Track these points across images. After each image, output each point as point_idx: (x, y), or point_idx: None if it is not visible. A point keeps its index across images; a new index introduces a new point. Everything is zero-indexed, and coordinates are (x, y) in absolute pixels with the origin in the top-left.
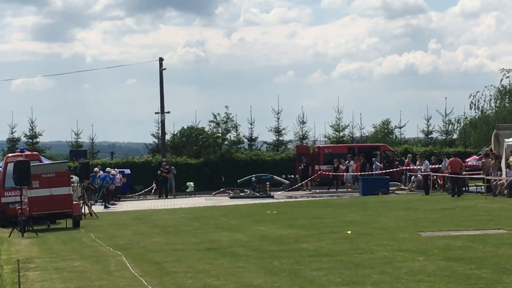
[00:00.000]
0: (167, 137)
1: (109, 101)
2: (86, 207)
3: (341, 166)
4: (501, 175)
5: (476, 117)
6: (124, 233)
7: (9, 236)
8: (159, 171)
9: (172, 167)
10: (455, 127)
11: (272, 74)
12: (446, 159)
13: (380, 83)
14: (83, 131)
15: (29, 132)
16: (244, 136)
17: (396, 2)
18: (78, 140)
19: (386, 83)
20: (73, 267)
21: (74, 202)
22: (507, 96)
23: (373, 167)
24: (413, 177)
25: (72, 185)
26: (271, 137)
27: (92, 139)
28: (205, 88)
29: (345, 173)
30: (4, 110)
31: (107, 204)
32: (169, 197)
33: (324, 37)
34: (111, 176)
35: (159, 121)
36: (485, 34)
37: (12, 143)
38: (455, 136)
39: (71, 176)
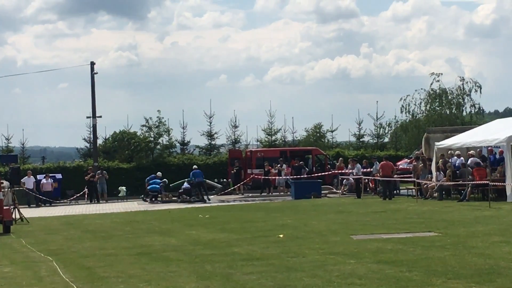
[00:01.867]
0: (99, 141)
1: (41, 105)
2: (17, 212)
3: (272, 170)
4: (431, 178)
5: (407, 121)
6: (55, 238)
7: None
8: (86, 177)
9: (104, 171)
10: (386, 131)
11: (205, 78)
12: (377, 163)
13: (313, 87)
14: (14, 136)
15: None
16: (176, 140)
17: (328, 6)
18: (9, 145)
19: (318, 87)
20: (3, 273)
21: (4, 207)
22: (437, 100)
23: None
24: (345, 180)
25: (2, 190)
26: (203, 141)
27: (23, 144)
28: (137, 92)
29: (277, 177)
30: None
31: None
32: (100, 201)
33: (257, 41)
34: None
35: (91, 125)
36: (416, 38)
37: None
38: (386, 140)
39: (2, 181)
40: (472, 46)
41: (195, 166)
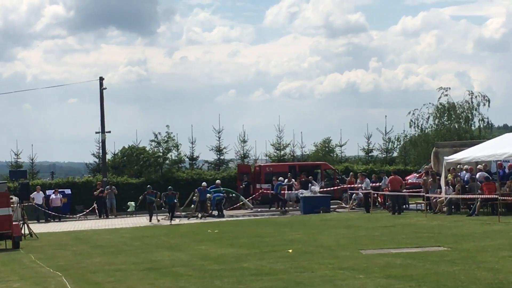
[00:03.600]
0: (108, 156)
1: (50, 120)
2: (26, 227)
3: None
4: (440, 192)
5: (416, 135)
6: (64, 253)
7: None
8: (95, 192)
9: (113, 186)
10: (395, 145)
11: (214, 93)
12: (386, 177)
13: (321, 102)
14: (23, 151)
15: None
16: (185, 155)
17: (337, 21)
18: (18, 160)
19: (327, 101)
20: None
21: (14, 223)
22: (445, 114)
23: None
24: (354, 195)
25: (12, 205)
26: (212, 156)
27: (32, 159)
28: (146, 107)
29: (287, 191)
30: None
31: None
32: (109, 217)
33: (266, 56)
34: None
35: (100, 140)
36: (425, 53)
37: None
38: (395, 154)
39: (11, 196)
40: (481, 60)
41: (204, 184)
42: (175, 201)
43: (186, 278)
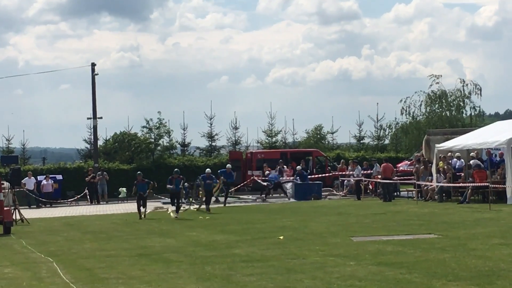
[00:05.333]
0: (100, 142)
1: (42, 106)
2: (17, 213)
3: (272, 171)
4: (432, 180)
5: (407, 123)
6: (55, 239)
7: None
8: (86, 178)
9: (105, 172)
10: (386, 133)
11: (206, 79)
12: (378, 165)
13: (313, 89)
14: (15, 137)
15: None
16: (177, 142)
17: (330, 8)
18: (9, 146)
19: (319, 88)
20: (3, 274)
21: (5, 208)
22: (437, 102)
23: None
24: (346, 181)
25: (3, 191)
26: (204, 143)
27: (24, 145)
28: (138, 93)
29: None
30: None
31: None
32: (101, 203)
33: (259, 43)
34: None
35: (92, 126)
36: (418, 40)
37: None
38: (386, 142)
39: (2, 182)
40: (474, 48)
41: (208, 170)
42: (180, 187)
43: (177, 264)
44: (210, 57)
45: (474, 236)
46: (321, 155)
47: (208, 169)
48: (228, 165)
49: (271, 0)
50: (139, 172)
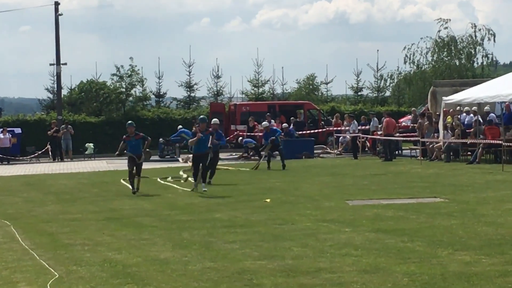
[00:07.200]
0: (64, 92)
1: None
2: None
3: (259, 126)
4: (438, 137)
5: (411, 73)
6: (13, 200)
7: None
8: (48, 132)
9: (69, 126)
10: (387, 84)
11: (184, 22)
12: (376, 119)
13: (306, 33)
14: None
15: None
16: (151, 92)
17: None
18: None
19: (312, 33)
20: None
21: None
22: (445, 49)
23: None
24: (341, 138)
25: None
26: (181, 93)
27: None
28: (107, 37)
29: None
30: None
31: None
32: (65, 160)
33: None
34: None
35: (55, 73)
36: None
37: None
38: (387, 94)
39: None
40: None
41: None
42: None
43: (150, 230)
44: None
45: (484, 201)
46: (314, 108)
47: (215, 119)
48: (215, 120)
49: None
50: (130, 121)
